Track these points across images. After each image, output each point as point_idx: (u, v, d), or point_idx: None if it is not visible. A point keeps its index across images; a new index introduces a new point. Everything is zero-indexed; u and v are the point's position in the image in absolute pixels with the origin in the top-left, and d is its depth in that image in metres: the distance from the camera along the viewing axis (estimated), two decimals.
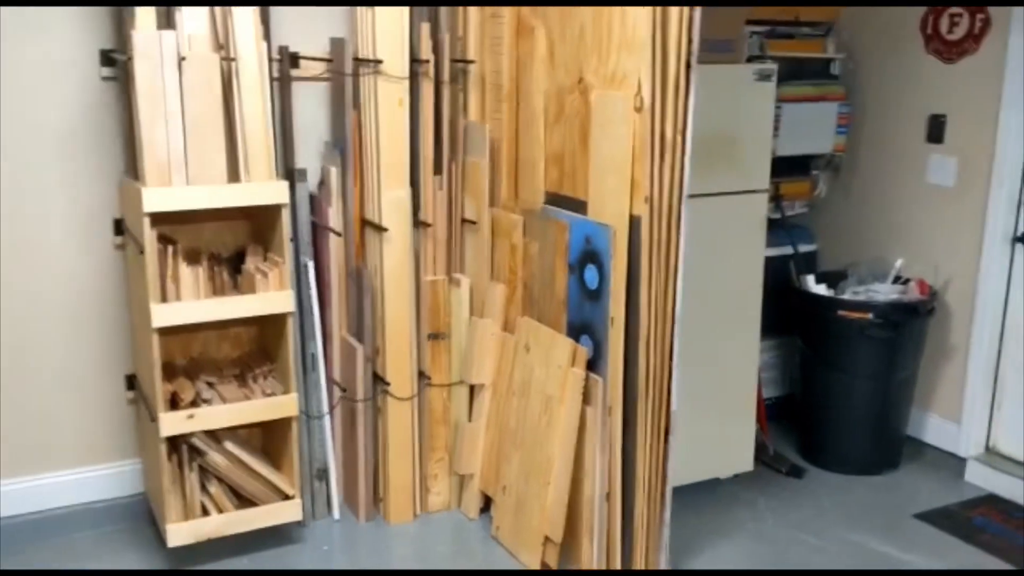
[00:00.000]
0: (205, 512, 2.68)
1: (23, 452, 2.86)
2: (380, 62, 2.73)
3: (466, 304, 3.03)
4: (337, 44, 2.90)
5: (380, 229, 2.85)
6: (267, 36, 2.68)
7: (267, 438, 2.97)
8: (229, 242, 2.89)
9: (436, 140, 2.94)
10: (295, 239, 2.84)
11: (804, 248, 3.64)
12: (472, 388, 3.04)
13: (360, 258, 2.98)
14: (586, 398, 2.56)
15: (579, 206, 2.64)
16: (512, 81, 2.88)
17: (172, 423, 2.55)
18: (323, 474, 3.01)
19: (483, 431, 2.99)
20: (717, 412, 3.09)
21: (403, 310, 2.91)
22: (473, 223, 3.01)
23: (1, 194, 2.71)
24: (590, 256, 2.56)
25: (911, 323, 3.31)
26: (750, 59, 3.26)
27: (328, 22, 2.96)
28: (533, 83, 2.79)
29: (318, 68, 2.97)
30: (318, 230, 2.97)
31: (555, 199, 2.76)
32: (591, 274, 2.56)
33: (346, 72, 2.83)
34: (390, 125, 2.80)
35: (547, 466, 2.62)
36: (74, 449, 2.93)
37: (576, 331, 2.64)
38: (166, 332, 2.57)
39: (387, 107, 2.78)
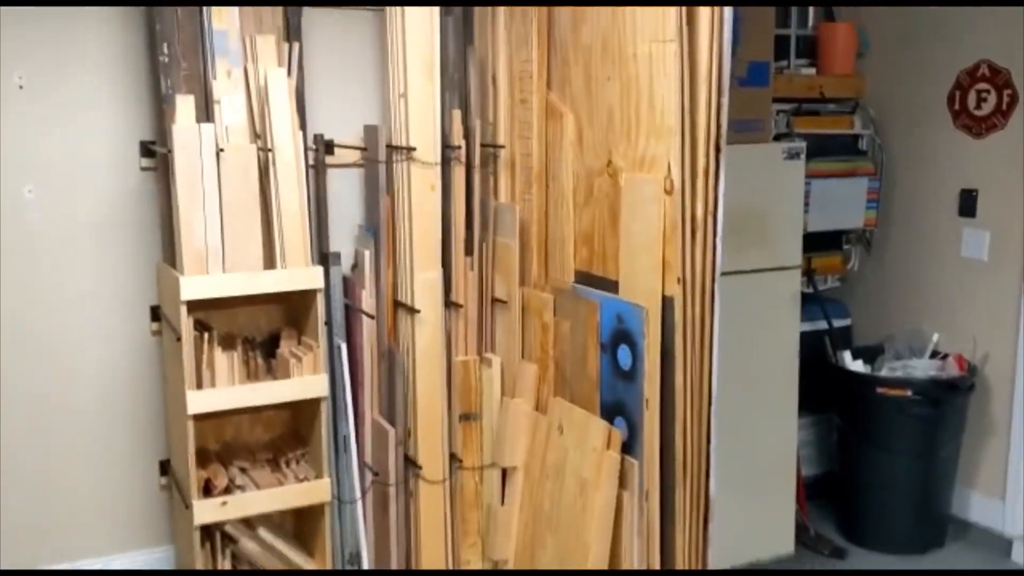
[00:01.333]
0: None
1: (57, 539, 2.86)
2: (413, 149, 2.78)
3: (497, 384, 3.02)
4: (371, 131, 2.96)
5: (412, 311, 2.86)
6: (303, 125, 2.75)
7: (299, 522, 2.94)
8: (263, 326, 2.92)
9: (467, 222, 2.97)
10: (329, 322, 2.86)
11: (838, 323, 3.60)
12: (504, 471, 3.01)
13: (392, 339, 2.99)
14: (622, 482, 2.52)
15: (610, 285, 2.64)
16: (541, 164, 2.92)
17: (206, 511, 2.54)
18: (355, 559, 2.97)
19: (516, 515, 2.94)
20: (756, 492, 3.03)
21: (434, 391, 2.90)
22: (504, 303, 3.02)
23: (42, 280, 2.76)
24: (623, 336, 2.55)
25: (951, 400, 3.25)
26: (777, 137, 3.29)
27: (362, 110, 3.04)
28: (562, 166, 2.82)
29: (352, 155, 3.03)
30: (351, 312, 2.99)
31: (585, 278, 2.77)
32: (624, 354, 2.55)
33: (380, 159, 2.89)
34: (422, 209, 2.84)
35: (583, 552, 2.57)
36: (108, 536, 2.92)
37: (610, 412, 2.62)
38: (200, 417, 2.57)
39: (419, 192, 2.82)
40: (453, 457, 2.96)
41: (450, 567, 2.97)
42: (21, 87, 2.67)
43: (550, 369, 2.91)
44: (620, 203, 2.56)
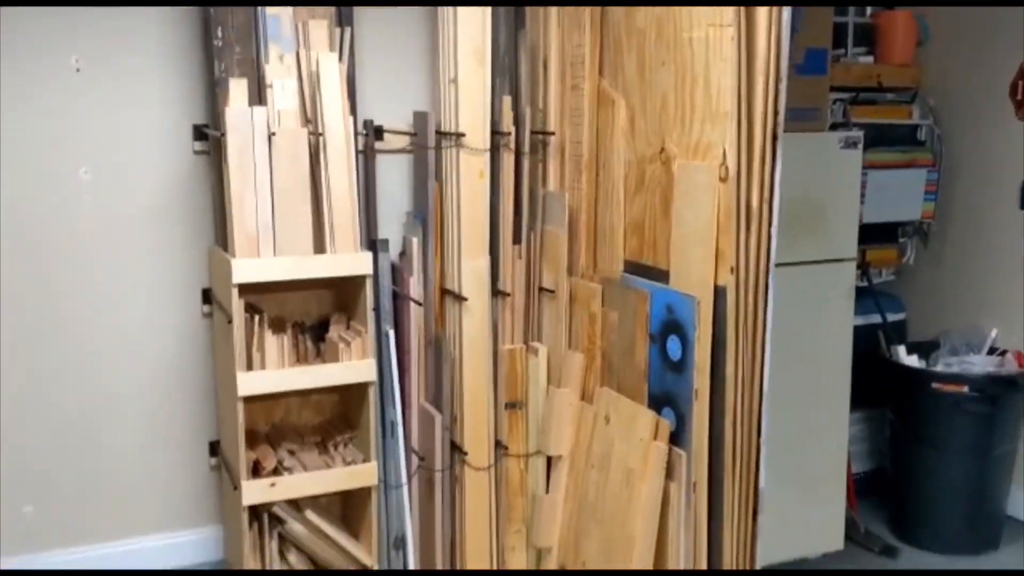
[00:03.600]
0: None
1: (108, 518, 2.91)
2: (462, 135, 2.77)
3: (543, 373, 3.00)
4: (420, 117, 2.96)
5: (459, 298, 2.86)
6: (353, 111, 2.75)
7: (346, 505, 2.96)
8: (313, 311, 2.93)
9: (515, 210, 2.96)
10: (377, 308, 2.86)
11: (892, 317, 3.53)
12: (549, 459, 3.00)
13: (439, 327, 2.99)
14: (669, 473, 2.49)
15: (660, 275, 2.61)
16: (591, 151, 2.89)
17: (255, 491, 2.56)
18: (400, 543, 2.98)
19: (561, 504, 2.93)
20: (805, 488, 2.98)
21: (481, 379, 2.90)
22: (551, 292, 3.00)
23: (95, 260, 2.81)
24: (672, 326, 2.52)
25: (1009, 397, 3.16)
26: (834, 126, 3.22)
27: (412, 96, 3.04)
28: (613, 153, 2.79)
29: (402, 141, 3.03)
30: (399, 299, 2.99)
31: (635, 268, 2.74)
32: (674, 345, 2.52)
33: (428, 145, 2.89)
34: (471, 196, 2.83)
35: (629, 543, 2.55)
36: (158, 515, 2.97)
37: (657, 403, 2.59)
38: (250, 399, 2.59)
39: (468, 178, 2.81)
40: (498, 444, 2.96)
41: (494, 553, 2.97)
42: (78, 70, 2.71)
43: (597, 359, 2.89)
44: (672, 191, 2.52)
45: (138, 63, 2.77)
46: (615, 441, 2.67)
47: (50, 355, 2.79)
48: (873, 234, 3.48)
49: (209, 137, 2.81)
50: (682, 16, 2.43)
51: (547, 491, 2.99)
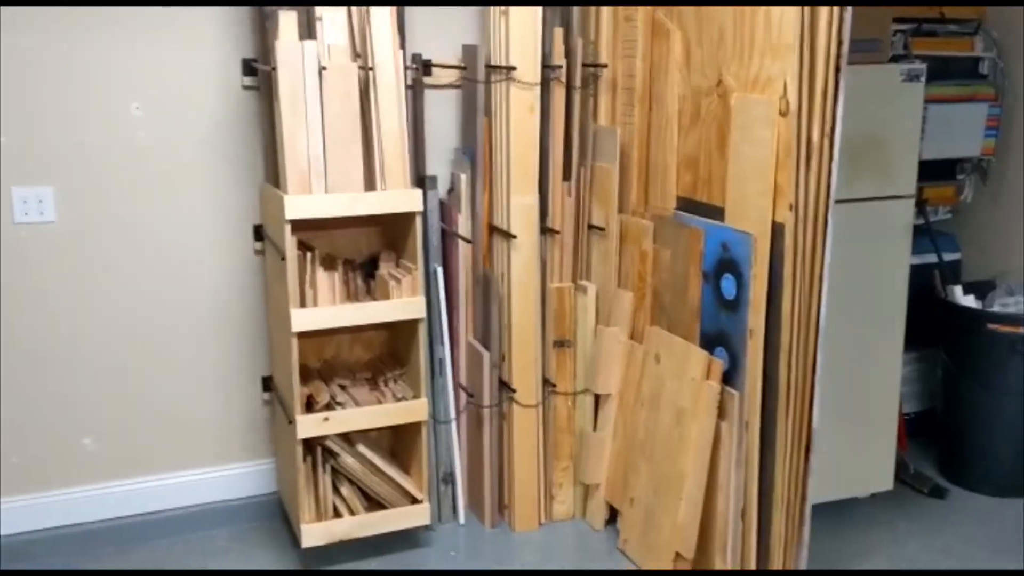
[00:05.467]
0: (337, 514, 2.72)
1: (164, 450, 2.97)
2: (513, 68, 2.72)
3: (592, 312, 2.99)
4: (469, 51, 2.91)
5: (508, 236, 2.84)
6: (402, 45, 2.71)
7: (395, 441, 3.00)
8: (363, 248, 2.93)
9: (566, 145, 2.91)
10: (426, 245, 2.85)
11: (948, 256, 3.45)
12: (597, 397, 3.00)
13: (488, 264, 2.98)
14: (721, 412, 2.48)
15: (715, 212, 2.56)
16: (645, 85, 2.83)
17: (308, 425, 2.60)
18: (449, 478, 3.02)
19: (609, 441, 2.94)
20: (855, 427, 2.96)
21: (529, 317, 2.89)
22: (601, 229, 2.97)
23: (147, 200, 2.82)
24: (727, 264, 2.48)
25: None
26: (893, 58, 3.11)
27: (461, 29, 2.98)
28: (667, 86, 2.73)
29: (450, 75, 2.99)
30: (447, 236, 2.98)
31: (688, 205, 2.70)
32: (728, 283, 2.48)
33: (478, 79, 2.84)
34: (521, 131, 2.79)
35: (679, 480, 2.55)
36: (212, 448, 3.02)
37: (710, 342, 2.57)
38: (303, 335, 2.61)
39: (518, 113, 2.77)
40: (547, 382, 2.96)
41: (541, 489, 2.99)
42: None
43: (647, 298, 2.86)
44: (729, 125, 2.46)
45: None
46: (666, 380, 2.66)
47: (105, 291, 2.82)
48: (931, 171, 3.38)
49: (259, 72, 2.79)
50: None
51: (595, 429, 3.00)
